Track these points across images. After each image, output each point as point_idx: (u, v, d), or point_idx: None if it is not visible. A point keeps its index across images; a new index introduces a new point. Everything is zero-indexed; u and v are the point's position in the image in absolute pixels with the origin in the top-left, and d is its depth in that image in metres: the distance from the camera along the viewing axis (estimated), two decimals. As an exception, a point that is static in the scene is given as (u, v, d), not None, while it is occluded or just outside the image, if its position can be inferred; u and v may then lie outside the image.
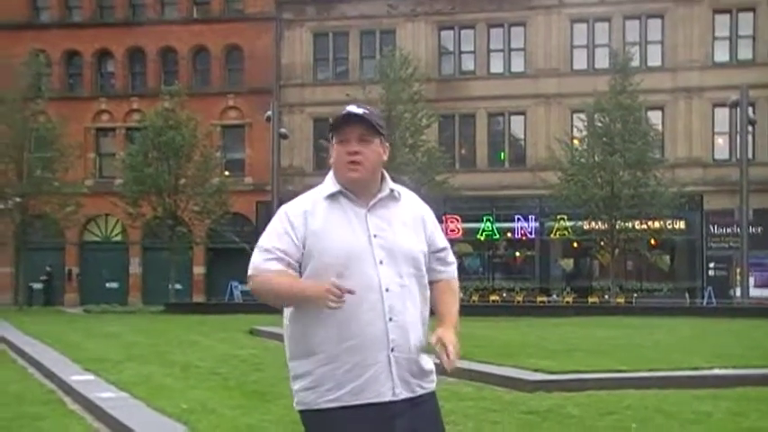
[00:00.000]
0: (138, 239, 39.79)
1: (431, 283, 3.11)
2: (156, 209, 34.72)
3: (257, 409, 8.42)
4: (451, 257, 3.20)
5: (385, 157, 3.04)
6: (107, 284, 40.06)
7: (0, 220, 35.67)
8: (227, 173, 38.33)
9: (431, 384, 3.07)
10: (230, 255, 35.58)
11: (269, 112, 34.32)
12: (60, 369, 11.78)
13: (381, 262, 2.93)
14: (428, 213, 3.15)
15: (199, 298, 38.05)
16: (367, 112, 3.00)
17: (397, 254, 2.96)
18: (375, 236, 2.95)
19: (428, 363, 3.06)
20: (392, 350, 2.92)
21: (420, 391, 3.00)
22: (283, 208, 3.06)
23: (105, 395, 9.31)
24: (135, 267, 40.56)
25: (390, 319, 2.91)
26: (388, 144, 3.08)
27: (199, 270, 39.56)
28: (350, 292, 2.76)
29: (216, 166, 36.15)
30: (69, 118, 37.44)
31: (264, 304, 3.11)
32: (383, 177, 3.06)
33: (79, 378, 10.75)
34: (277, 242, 2.94)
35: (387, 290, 2.92)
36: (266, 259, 2.93)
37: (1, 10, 41.80)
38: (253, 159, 39.37)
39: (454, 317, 3.09)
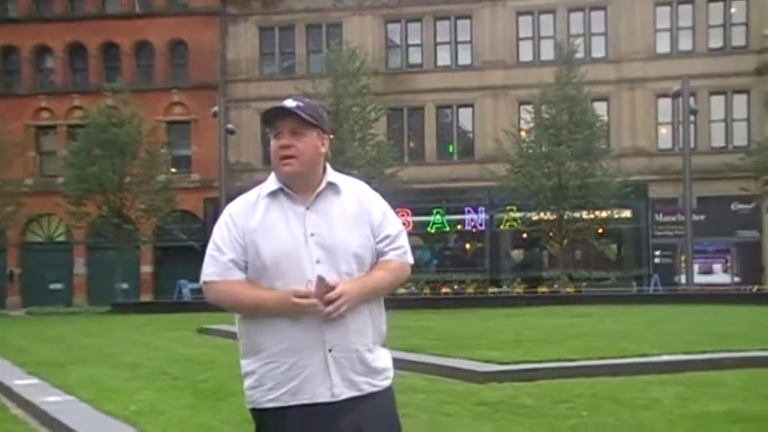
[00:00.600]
0: (82, 239, 39.11)
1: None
2: (101, 207, 34.14)
3: (208, 408, 8.28)
4: (400, 242, 3.01)
5: (323, 150, 2.97)
6: (51, 286, 39.33)
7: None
8: (173, 170, 37.86)
9: (384, 382, 3.00)
10: (178, 253, 35.15)
11: (215, 108, 33.97)
12: (2, 374, 11.49)
13: (318, 261, 2.86)
14: (375, 203, 3.02)
15: (147, 297, 37.52)
16: (301, 104, 2.95)
17: (336, 251, 2.88)
18: (312, 234, 2.88)
19: (380, 360, 3.00)
20: (329, 350, 2.87)
21: (369, 389, 2.93)
22: (227, 209, 3.04)
23: (50, 399, 9.09)
24: (80, 268, 39.88)
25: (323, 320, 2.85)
26: (327, 136, 3.00)
27: (146, 269, 39.05)
28: (308, 294, 2.78)
29: (162, 164, 35.64)
30: (8, 116, 36.75)
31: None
32: (324, 171, 2.99)
33: (23, 382, 10.49)
34: (227, 250, 2.92)
35: None
36: (221, 269, 2.92)
37: (-64, 6, 40.86)
38: (199, 156, 38.95)
39: (368, 279, 2.91)
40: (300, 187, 2.94)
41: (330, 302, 2.79)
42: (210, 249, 2.96)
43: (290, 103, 2.95)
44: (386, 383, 3.01)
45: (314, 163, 2.94)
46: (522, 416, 7.49)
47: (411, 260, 3.06)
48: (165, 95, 39.80)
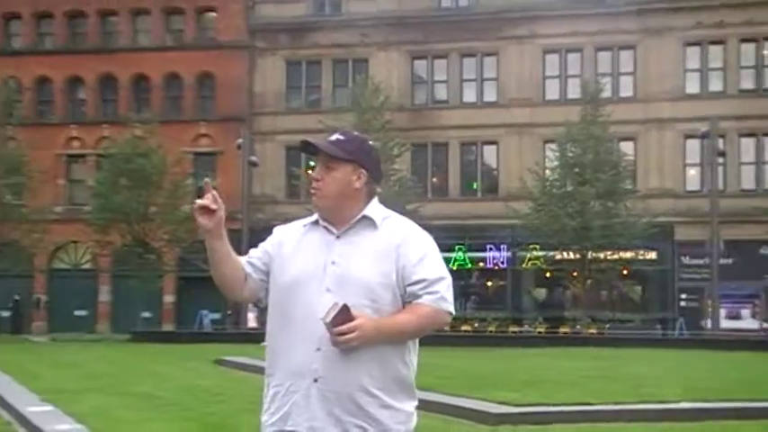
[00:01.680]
0: (107, 267, 39.30)
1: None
2: (125, 236, 34.36)
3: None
4: (437, 288, 2.83)
5: (357, 185, 2.92)
6: (76, 312, 39.46)
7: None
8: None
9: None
10: (200, 283, 34.87)
11: (240, 140, 34.16)
12: (18, 400, 11.49)
13: (328, 290, 2.81)
14: (409, 243, 2.88)
15: (168, 327, 37.55)
16: (341, 138, 2.96)
17: (349, 283, 2.81)
18: (333, 262, 2.86)
19: (386, 409, 2.81)
20: (315, 380, 2.79)
21: None
22: (283, 228, 3.11)
23: (61, 427, 9.07)
24: (104, 295, 40.04)
25: (318, 349, 2.78)
26: (366, 171, 2.94)
27: (168, 298, 39.11)
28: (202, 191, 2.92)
29: (186, 194, 35.83)
30: (40, 144, 37.10)
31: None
32: (367, 204, 2.95)
33: (36, 409, 10.47)
34: (255, 252, 3.04)
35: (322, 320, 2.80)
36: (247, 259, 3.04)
37: (-27, 37, 41.63)
38: (224, 187, 38.61)
39: (388, 319, 2.80)
40: (334, 219, 2.94)
41: (343, 332, 2.73)
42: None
43: (333, 137, 2.97)
44: None
45: (343, 197, 2.91)
46: (533, 460, 7.34)
47: (448, 308, 2.87)
48: (193, 127, 40.14)
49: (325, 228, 2.94)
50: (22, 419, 10.05)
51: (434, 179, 39.33)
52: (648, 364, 17.64)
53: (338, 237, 2.90)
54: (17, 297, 38.91)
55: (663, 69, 37.33)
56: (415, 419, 2.92)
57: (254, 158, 35.38)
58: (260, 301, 3.08)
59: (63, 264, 40.93)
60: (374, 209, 2.95)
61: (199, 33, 41.36)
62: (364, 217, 2.91)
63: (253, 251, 3.05)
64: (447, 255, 37.14)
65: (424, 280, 2.84)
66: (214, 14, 41.29)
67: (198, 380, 14.33)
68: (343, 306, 2.72)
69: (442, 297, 2.85)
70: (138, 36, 41.85)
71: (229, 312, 35.66)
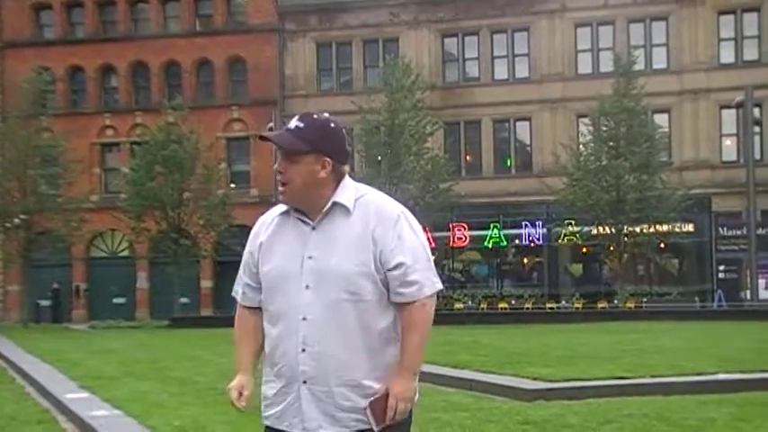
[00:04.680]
0: (144, 254, 39.71)
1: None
2: (160, 223, 34.67)
3: (249, 425, 8.20)
4: (414, 275, 2.78)
5: (322, 174, 2.81)
6: (114, 300, 40.00)
7: (6, 238, 35.71)
8: (232, 185, 38.31)
9: None
10: (237, 268, 35.04)
11: (271, 123, 34.25)
12: (56, 387, 11.65)
13: (308, 287, 2.78)
14: (385, 224, 2.79)
15: (206, 312, 37.92)
16: (300, 125, 2.83)
17: (327, 277, 2.76)
18: (310, 257, 2.80)
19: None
20: (304, 382, 2.78)
21: (358, 426, 2.78)
22: (259, 220, 3.07)
23: (98, 413, 9.16)
24: (142, 282, 40.49)
25: (303, 350, 2.77)
26: (331, 158, 2.83)
27: (206, 284, 39.44)
28: (239, 410, 2.92)
29: (219, 179, 36.07)
30: (74, 134, 37.45)
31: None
32: (336, 190, 2.85)
33: (74, 396, 10.61)
34: (243, 272, 3.04)
35: (304, 318, 2.77)
36: (241, 293, 3.07)
37: (6, 29, 42.03)
38: (258, 171, 39.22)
39: (407, 359, 2.79)
40: (305, 209, 2.87)
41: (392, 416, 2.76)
42: (241, 264, 3.07)
43: (291, 124, 2.86)
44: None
45: (309, 188, 2.82)
46: (566, 436, 7.30)
47: (432, 290, 2.82)
48: (225, 112, 40.30)
49: (299, 219, 2.87)
50: (61, 406, 10.18)
51: (467, 157, 39.16)
52: (686, 336, 17.47)
53: (314, 228, 2.83)
54: (57, 286, 39.43)
55: (696, 39, 36.77)
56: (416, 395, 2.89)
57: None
58: None
59: (101, 252, 41.42)
60: (344, 193, 2.84)
61: (228, 18, 41.42)
62: (335, 204, 2.83)
63: (243, 275, 3.04)
64: (482, 233, 37.17)
65: (402, 264, 2.77)
66: (243, -2, 41.37)
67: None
68: (369, 403, 2.75)
69: (421, 286, 2.79)
70: (168, 22, 42.00)
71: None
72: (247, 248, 3.01)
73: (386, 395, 2.75)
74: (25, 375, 14.02)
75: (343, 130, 2.93)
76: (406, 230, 2.82)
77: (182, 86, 40.29)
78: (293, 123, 2.85)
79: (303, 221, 2.86)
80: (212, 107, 39.85)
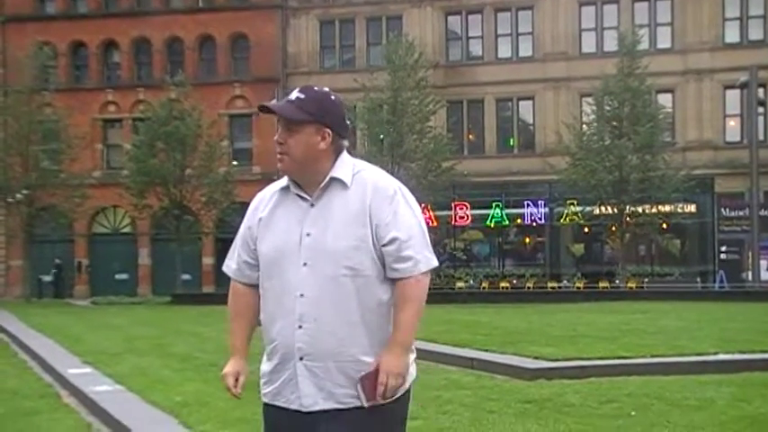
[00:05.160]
0: (146, 230, 39.76)
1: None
2: (162, 199, 34.69)
3: (251, 401, 8.18)
4: (409, 251, 2.77)
5: (323, 145, 2.82)
6: (117, 276, 40.08)
7: (8, 213, 35.74)
8: (235, 162, 38.30)
9: None
10: (239, 245, 35.40)
11: (273, 101, 34.06)
12: (59, 362, 11.71)
13: (305, 264, 2.77)
14: (380, 201, 2.80)
15: (209, 288, 37.99)
16: (301, 97, 2.84)
17: (324, 254, 2.76)
18: (308, 234, 2.80)
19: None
20: (300, 359, 2.78)
21: (354, 403, 2.77)
22: (257, 196, 3.05)
23: (100, 388, 9.21)
24: (144, 258, 40.56)
25: (300, 327, 2.77)
26: (331, 130, 2.84)
27: (208, 260, 39.46)
28: (235, 396, 2.98)
29: (221, 156, 36.03)
30: (76, 109, 37.44)
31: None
32: (334, 164, 2.85)
33: (76, 371, 10.67)
34: (241, 248, 3.00)
35: (301, 295, 2.77)
36: (235, 269, 3.03)
37: (8, 3, 41.89)
38: (260, 148, 39.14)
39: (399, 334, 2.77)
40: (304, 183, 2.86)
41: (383, 391, 2.73)
42: (236, 239, 3.04)
43: (292, 95, 2.86)
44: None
45: (309, 159, 2.82)
46: (567, 414, 7.32)
47: (427, 267, 2.80)
48: (228, 89, 40.20)
49: (298, 195, 2.86)
50: (63, 381, 10.24)
51: (470, 136, 39.08)
52: (686, 317, 17.48)
53: (312, 205, 2.83)
54: (59, 261, 39.51)
55: (701, 19, 36.62)
56: (413, 372, 2.89)
57: (288, 119, 35.35)
58: None
59: (103, 228, 41.47)
60: (342, 167, 2.85)
61: (231, -6, 41.24)
62: (333, 179, 2.83)
63: (241, 252, 3.00)
64: (484, 212, 37.16)
65: (396, 239, 2.77)
66: (246, -25, 41.15)
67: (236, 340, 14.45)
68: (360, 378, 2.73)
69: (416, 262, 2.78)
70: (170, -1, 41.86)
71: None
72: (245, 223, 3.00)
73: (377, 371, 2.73)
74: (28, 350, 14.10)
75: (344, 105, 2.95)
76: (402, 206, 2.82)
77: (184, 63, 40.18)
78: (294, 95, 2.86)
79: (302, 197, 2.86)
80: (214, 84, 39.74)
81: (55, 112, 35.79)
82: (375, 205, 2.79)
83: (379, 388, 2.72)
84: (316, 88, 2.91)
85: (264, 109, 2.90)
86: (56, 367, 11.22)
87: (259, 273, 2.94)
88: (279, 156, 2.85)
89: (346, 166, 2.87)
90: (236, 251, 3.03)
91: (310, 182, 2.85)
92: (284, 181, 2.94)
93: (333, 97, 2.90)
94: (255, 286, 2.96)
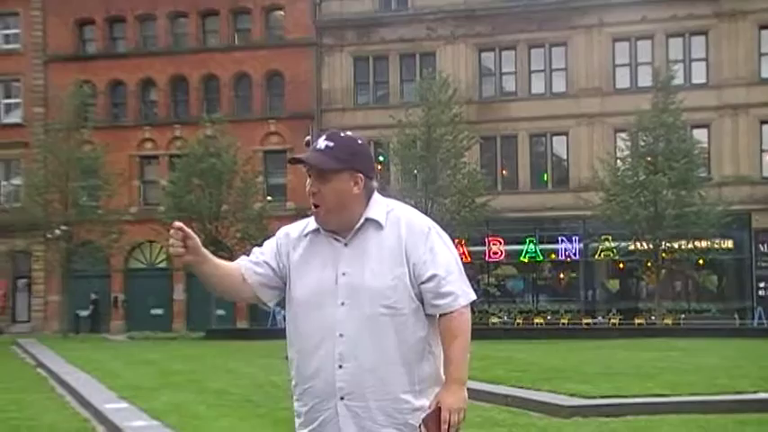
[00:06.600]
0: (181, 266, 39.87)
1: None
2: (198, 235, 34.72)
3: (285, 437, 8.30)
4: (448, 287, 2.81)
5: (356, 191, 2.84)
6: (152, 311, 40.30)
7: (47, 248, 36.21)
8: (269, 198, 38.55)
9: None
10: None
11: (308, 137, 34.35)
12: (95, 397, 11.80)
13: (343, 303, 2.79)
14: (416, 239, 2.82)
15: (242, 324, 38.11)
16: (330, 144, 2.84)
17: (362, 293, 2.78)
18: (344, 274, 2.81)
19: (413, 414, 2.80)
20: (341, 398, 2.78)
21: None
22: (282, 229, 3.04)
23: (136, 424, 9.29)
24: (179, 294, 40.78)
25: (340, 366, 2.78)
26: (363, 175, 2.85)
27: (243, 296, 39.58)
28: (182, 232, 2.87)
29: (256, 192, 36.32)
30: (114, 146, 37.99)
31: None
32: (368, 205, 2.87)
33: (113, 406, 10.75)
34: (269, 256, 2.96)
35: (341, 335, 2.78)
36: (249, 259, 3.00)
37: (50, 43, 42.75)
38: (294, 184, 39.29)
39: (453, 369, 2.81)
40: (337, 228, 2.87)
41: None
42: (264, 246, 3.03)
43: (320, 143, 2.86)
44: None
45: (343, 206, 2.84)
46: (604, 453, 7.26)
47: (466, 301, 2.84)
48: (262, 125, 40.58)
49: (332, 237, 2.87)
50: (100, 416, 10.32)
51: (504, 172, 39.03)
52: (725, 354, 17.25)
53: (346, 245, 2.85)
54: (95, 296, 39.86)
55: (737, 54, 36.40)
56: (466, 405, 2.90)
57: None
58: (265, 304, 3.09)
59: (139, 263, 41.81)
60: (376, 208, 2.88)
61: (266, 32, 41.77)
62: (368, 219, 2.85)
63: (267, 255, 2.97)
64: (518, 247, 37.00)
65: (435, 276, 2.80)
66: (281, 13, 41.67)
67: (271, 376, 14.49)
68: (423, 420, 2.76)
69: (455, 297, 2.82)
70: (206, 37, 42.47)
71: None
72: (279, 240, 2.98)
73: (438, 409, 2.77)
74: (65, 385, 14.21)
75: (369, 146, 2.97)
76: (438, 243, 2.85)
77: (220, 100, 40.70)
78: (322, 143, 2.86)
79: (335, 239, 2.87)
80: (250, 120, 40.16)
81: (94, 149, 36.37)
82: (411, 243, 2.82)
83: (442, 427, 2.75)
84: (342, 134, 2.93)
85: (295, 161, 2.89)
86: (93, 402, 11.31)
87: (264, 285, 2.94)
88: (313, 206, 2.85)
89: (380, 206, 2.90)
90: (258, 253, 3.00)
91: (345, 226, 2.86)
92: (312, 225, 2.94)
93: (360, 141, 2.93)
94: (244, 279, 2.94)
